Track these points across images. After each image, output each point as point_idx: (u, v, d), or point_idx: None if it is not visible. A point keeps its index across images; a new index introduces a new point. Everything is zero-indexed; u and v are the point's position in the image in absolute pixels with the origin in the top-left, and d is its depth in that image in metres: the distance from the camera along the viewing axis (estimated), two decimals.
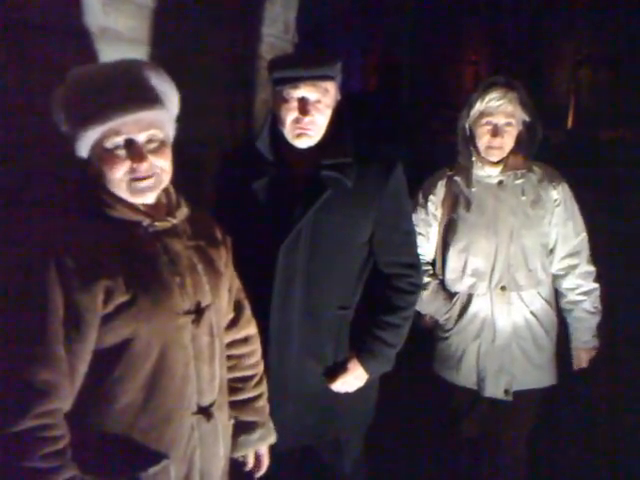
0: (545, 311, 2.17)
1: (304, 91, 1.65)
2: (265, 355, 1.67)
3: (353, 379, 1.82)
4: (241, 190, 1.74)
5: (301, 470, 1.95)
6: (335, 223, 1.72)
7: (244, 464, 1.62)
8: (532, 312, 2.15)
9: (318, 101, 1.67)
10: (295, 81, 1.63)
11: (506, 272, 2.12)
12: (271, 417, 1.64)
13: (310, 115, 1.66)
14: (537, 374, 2.19)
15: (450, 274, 2.20)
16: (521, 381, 2.17)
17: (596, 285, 2.22)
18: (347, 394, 1.83)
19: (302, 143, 1.71)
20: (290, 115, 1.67)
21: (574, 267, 2.19)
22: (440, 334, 2.27)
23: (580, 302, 2.21)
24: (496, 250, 2.12)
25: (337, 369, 1.81)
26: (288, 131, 1.69)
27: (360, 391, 1.84)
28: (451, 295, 2.21)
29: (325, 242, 1.72)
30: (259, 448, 1.60)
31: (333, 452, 1.93)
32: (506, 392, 2.16)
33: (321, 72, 1.64)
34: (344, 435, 1.91)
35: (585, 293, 2.21)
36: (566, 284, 2.22)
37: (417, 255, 1.92)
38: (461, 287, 2.18)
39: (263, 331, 1.67)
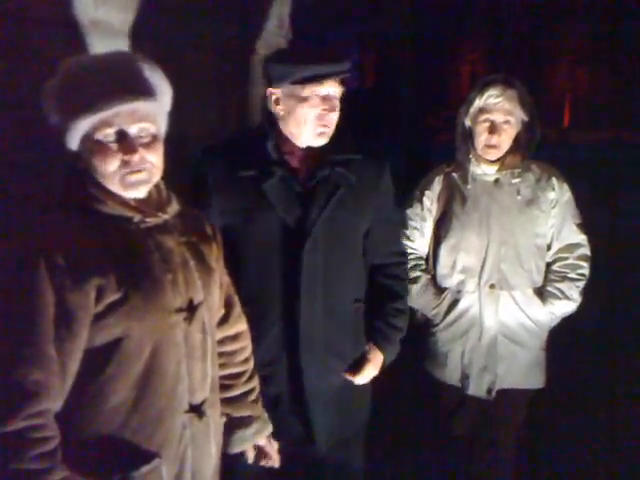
0: (539, 312, 2.14)
1: (328, 88, 1.65)
2: (292, 358, 1.71)
3: (374, 369, 1.85)
4: (247, 191, 1.69)
5: (309, 468, 1.92)
6: (344, 219, 1.75)
7: (244, 459, 1.60)
8: (524, 312, 2.13)
9: (337, 97, 1.68)
10: (323, 78, 1.63)
11: (496, 270, 2.11)
12: (288, 420, 1.68)
13: (334, 112, 1.67)
14: (523, 375, 2.18)
15: (441, 270, 2.20)
16: (505, 380, 2.16)
17: (585, 271, 2.15)
18: (357, 389, 1.86)
19: (320, 142, 1.70)
20: (311, 113, 1.66)
21: (570, 256, 2.15)
22: (429, 330, 2.27)
23: (562, 275, 2.14)
24: (487, 248, 2.11)
25: (357, 362, 1.84)
26: (309, 129, 1.68)
27: (365, 385, 1.87)
28: (441, 291, 2.21)
29: (338, 239, 1.75)
30: (257, 441, 1.59)
31: (344, 450, 1.90)
32: (489, 392, 2.16)
33: (344, 67, 1.65)
34: (355, 431, 1.91)
35: (571, 266, 2.14)
36: (558, 263, 2.17)
37: (403, 243, 2.06)
38: (451, 283, 2.18)
39: (284, 332, 1.70)
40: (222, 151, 1.77)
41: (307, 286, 1.71)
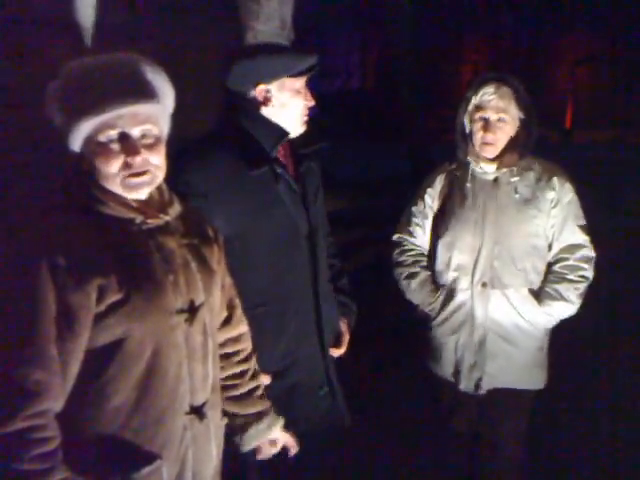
0: (534, 313, 2.12)
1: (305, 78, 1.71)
2: (315, 347, 1.79)
3: (348, 338, 1.97)
4: (255, 191, 1.68)
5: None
6: (319, 204, 1.86)
7: (257, 456, 1.60)
8: (518, 312, 2.12)
9: None
10: (314, 69, 1.70)
11: (489, 269, 2.11)
12: (306, 406, 1.76)
13: (313, 101, 1.74)
14: (519, 375, 2.17)
15: (438, 266, 2.22)
16: (498, 379, 2.16)
17: (586, 272, 2.13)
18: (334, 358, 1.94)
19: (302, 131, 1.75)
20: (302, 104, 1.71)
21: (571, 257, 2.13)
22: (427, 325, 2.29)
23: (561, 276, 2.12)
24: (480, 246, 2.11)
25: (337, 337, 1.95)
26: (298, 121, 1.73)
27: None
28: (438, 287, 2.22)
29: (320, 228, 1.84)
30: (271, 435, 1.59)
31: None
32: (477, 387, 2.16)
33: None
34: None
35: (570, 268, 2.12)
36: (558, 264, 2.15)
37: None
38: (446, 280, 2.20)
39: (306, 324, 1.77)
40: (215, 155, 1.69)
41: (321, 279, 1.79)
